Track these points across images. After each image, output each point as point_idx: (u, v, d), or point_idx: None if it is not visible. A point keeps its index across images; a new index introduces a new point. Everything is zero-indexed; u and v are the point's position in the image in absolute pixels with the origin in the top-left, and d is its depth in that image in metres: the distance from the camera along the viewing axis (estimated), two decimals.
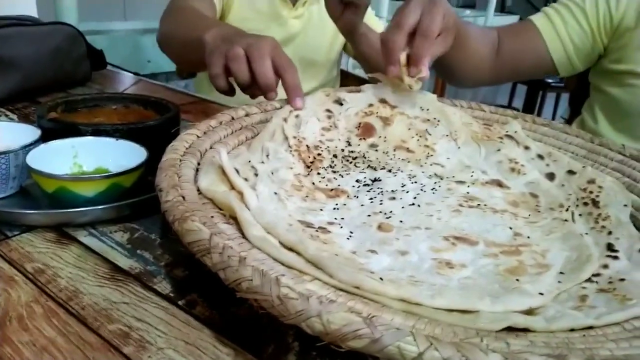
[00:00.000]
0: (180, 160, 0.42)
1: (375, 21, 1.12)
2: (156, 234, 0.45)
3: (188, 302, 0.36)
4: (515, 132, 0.60)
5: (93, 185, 0.43)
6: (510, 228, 0.45)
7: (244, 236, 0.34)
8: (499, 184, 0.53)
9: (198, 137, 0.48)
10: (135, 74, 1.07)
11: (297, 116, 0.57)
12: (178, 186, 0.36)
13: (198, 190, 0.38)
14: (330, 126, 0.59)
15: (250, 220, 0.34)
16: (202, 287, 0.38)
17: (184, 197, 0.35)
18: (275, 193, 0.43)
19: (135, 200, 0.45)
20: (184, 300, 0.37)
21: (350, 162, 0.54)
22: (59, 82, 0.85)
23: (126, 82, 0.99)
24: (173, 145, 0.44)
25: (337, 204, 0.46)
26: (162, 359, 0.31)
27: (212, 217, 0.34)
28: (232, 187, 0.40)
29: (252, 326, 0.34)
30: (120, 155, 0.49)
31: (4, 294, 0.35)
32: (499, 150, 0.57)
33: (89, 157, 0.49)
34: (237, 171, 0.44)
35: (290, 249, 0.35)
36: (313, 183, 0.49)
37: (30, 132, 0.50)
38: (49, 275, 0.38)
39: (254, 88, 0.58)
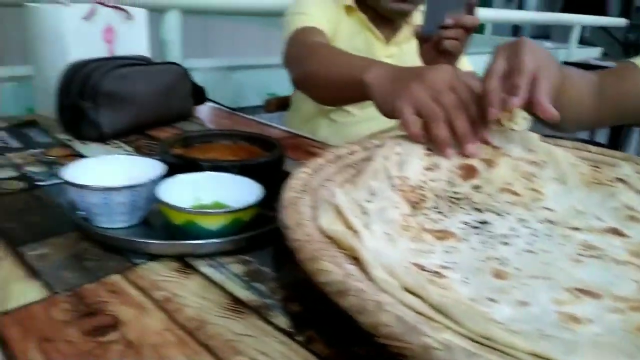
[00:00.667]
0: (299, 198, 0.43)
1: (467, 66, 1.12)
2: (269, 267, 0.47)
3: (307, 338, 0.37)
4: (628, 175, 0.57)
5: (218, 219, 0.45)
6: (636, 281, 0.42)
7: (367, 277, 0.34)
8: (618, 233, 0.50)
9: (309, 174, 0.50)
10: (231, 108, 1.13)
11: (398, 154, 0.57)
12: (302, 224, 0.38)
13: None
14: (432, 166, 0.58)
15: (372, 262, 0.35)
16: (320, 323, 0.39)
17: (309, 236, 0.36)
18: (387, 233, 0.43)
19: (253, 233, 0.47)
20: (302, 336, 0.37)
21: (455, 203, 0.54)
22: (166, 117, 0.92)
23: (222, 117, 1.05)
24: (290, 184, 0.46)
25: (447, 247, 0.45)
26: None
27: (335, 256, 0.35)
28: (348, 226, 0.41)
29: None
30: (236, 190, 0.52)
31: (138, 321, 0.38)
32: (612, 195, 0.54)
33: (207, 191, 0.52)
34: (343, 212, 0.45)
35: (411, 292, 0.34)
36: (419, 224, 0.49)
37: (154, 166, 0.54)
38: (176, 303, 0.40)
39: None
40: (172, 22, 1.18)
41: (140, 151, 0.78)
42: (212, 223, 0.46)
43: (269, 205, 0.49)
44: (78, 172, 0.51)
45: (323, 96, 0.86)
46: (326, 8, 1.07)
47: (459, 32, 0.81)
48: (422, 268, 0.40)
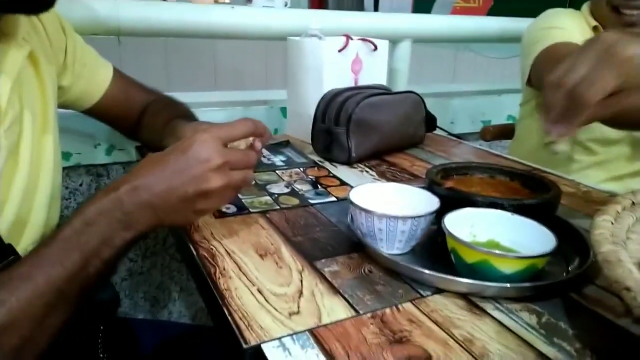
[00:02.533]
0: (618, 252, 0.39)
1: None
2: (563, 323, 0.43)
3: None
4: None
5: (514, 263, 0.44)
6: None
7: None
8: None
9: (612, 223, 0.45)
10: (457, 136, 1.12)
11: None
12: None
13: None
14: None
15: None
16: None
17: None
18: None
19: (550, 282, 0.44)
20: None
21: None
22: (401, 145, 0.95)
23: (449, 145, 1.04)
24: (601, 234, 0.42)
25: None
26: None
27: None
28: None
29: None
30: (512, 230, 0.50)
31: (448, 358, 0.38)
32: None
33: (483, 229, 0.51)
34: None
35: None
36: None
37: (427, 198, 0.55)
38: (480, 347, 0.39)
39: None
40: (404, 51, 1.22)
41: (384, 176, 0.81)
42: (508, 267, 0.44)
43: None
44: (361, 197, 0.55)
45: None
46: (579, 25, 0.99)
47: None
48: None
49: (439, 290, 0.47)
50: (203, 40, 1.17)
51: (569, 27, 0.97)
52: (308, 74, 0.97)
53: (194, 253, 0.53)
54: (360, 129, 0.85)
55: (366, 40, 0.99)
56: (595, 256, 0.40)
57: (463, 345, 0.39)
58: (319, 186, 0.75)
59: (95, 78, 0.77)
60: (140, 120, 0.82)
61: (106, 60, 0.81)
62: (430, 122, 1.01)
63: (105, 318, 0.65)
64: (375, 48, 1.00)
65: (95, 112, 0.80)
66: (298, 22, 1.12)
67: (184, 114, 0.80)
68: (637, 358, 0.39)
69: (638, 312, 0.32)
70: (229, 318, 0.42)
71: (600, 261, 0.39)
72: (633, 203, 0.51)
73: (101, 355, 0.64)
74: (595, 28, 1.01)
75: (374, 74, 1.03)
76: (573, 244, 0.55)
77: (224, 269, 0.50)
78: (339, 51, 0.95)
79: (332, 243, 0.56)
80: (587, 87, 0.47)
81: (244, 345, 0.38)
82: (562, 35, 0.93)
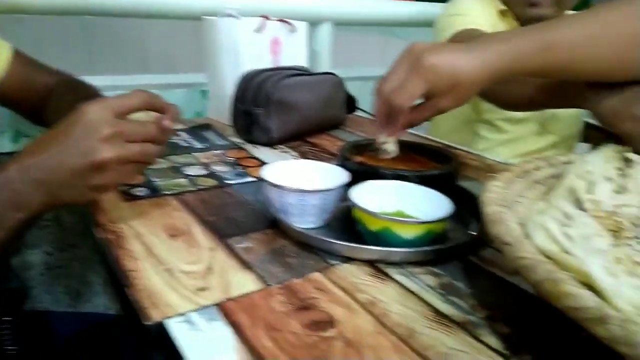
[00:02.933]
0: (503, 213, 0.42)
1: None
2: (461, 282, 0.46)
3: None
4: None
5: (414, 228, 0.46)
6: None
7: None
8: None
9: (503, 189, 0.49)
10: None
11: (589, 173, 0.53)
12: (522, 242, 0.36)
13: None
14: (620, 189, 0.53)
15: (615, 291, 0.32)
16: (535, 347, 0.37)
17: (534, 254, 0.35)
18: (605, 266, 0.40)
19: (448, 245, 0.47)
20: (517, 358, 0.36)
21: None
22: (323, 125, 0.96)
23: (370, 126, 1.06)
24: (487, 197, 0.45)
25: None
26: None
27: (574, 281, 0.33)
28: (563, 250, 0.39)
29: None
30: (417, 200, 0.52)
31: (350, 321, 0.39)
32: None
33: (390, 199, 0.53)
34: (550, 230, 0.42)
35: None
36: (627, 256, 0.45)
37: (338, 172, 0.57)
38: (381, 308, 0.41)
39: None
40: (324, 34, 1.23)
41: (305, 156, 0.82)
42: (408, 232, 0.46)
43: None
44: (274, 174, 0.55)
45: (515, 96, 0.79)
46: (484, 10, 1.04)
47: None
48: None
49: (347, 260, 0.49)
50: (129, 21, 1.12)
51: (473, 14, 1.01)
52: (225, 55, 0.95)
53: (100, 236, 0.51)
54: (279, 109, 0.85)
55: (284, 21, 0.99)
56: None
57: (365, 307, 0.41)
58: (238, 167, 0.74)
59: None
60: (45, 103, 0.77)
61: (4, 40, 0.75)
62: (350, 103, 1.03)
63: (10, 309, 0.61)
64: (294, 29, 1.00)
65: None
66: (214, 1, 1.09)
67: (91, 95, 0.76)
68: (525, 310, 0.43)
69: (515, 265, 0.35)
70: (134, 298, 0.41)
71: (485, 221, 0.41)
72: (524, 171, 0.55)
73: (10, 348, 0.60)
74: (502, 12, 1.07)
75: (294, 55, 1.03)
76: (473, 211, 0.58)
77: (131, 250, 0.48)
78: (256, 31, 0.94)
79: (247, 221, 0.56)
80: (398, 95, 0.54)
81: (147, 323, 0.38)
82: (463, 23, 0.97)
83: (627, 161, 0.56)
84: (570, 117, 1.07)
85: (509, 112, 1.07)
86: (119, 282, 0.45)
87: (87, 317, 0.88)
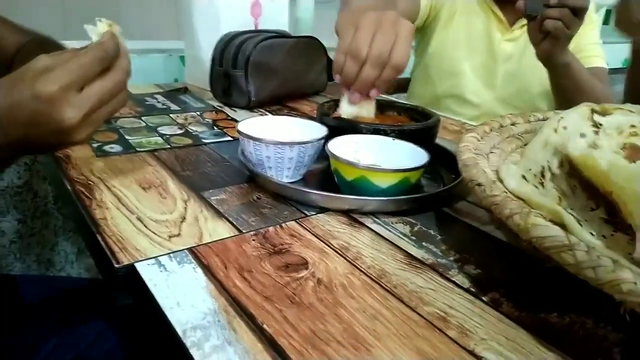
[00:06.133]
0: (477, 159, 0.42)
1: (594, 50, 1.02)
2: (434, 230, 0.46)
3: (492, 299, 0.36)
4: None
5: (389, 177, 0.46)
6: None
7: None
8: None
9: (478, 140, 0.49)
10: None
11: (565, 128, 0.54)
12: (495, 182, 0.37)
13: None
14: (593, 145, 0.54)
15: (579, 230, 0.33)
16: (503, 286, 0.38)
17: (506, 193, 0.35)
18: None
19: (423, 194, 0.47)
20: (487, 296, 0.36)
21: None
22: (303, 89, 0.95)
23: None
24: (463, 146, 0.45)
25: None
26: (487, 349, 0.31)
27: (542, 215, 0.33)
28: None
29: (569, 333, 0.33)
30: (393, 153, 0.52)
31: (323, 263, 0.39)
32: None
33: (367, 153, 0.53)
34: (525, 178, 0.43)
35: None
36: None
37: (316, 128, 0.56)
38: (354, 252, 0.41)
39: None
40: (307, 1, 1.21)
41: None
42: (383, 181, 0.46)
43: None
44: (250, 129, 0.54)
45: None
46: None
47: (564, 13, 0.75)
48: None
49: (323, 210, 0.48)
50: None
51: None
52: (203, 17, 0.93)
53: (69, 188, 0.50)
54: (259, 71, 0.84)
55: None
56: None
57: (339, 251, 0.41)
58: (215, 128, 0.73)
59: None
60: (13, 62, 0.74)
61: None
62: (332, 69, 1.02)
63: None
64: None
65: None
66: None
67: None
68: (496, 255, 0.43)
69: (487, 203, 0.35)
70: (102, 243, 0.40)
71: (460, 167, 0.42)
72: (501, 125, 0.55)
73: None
74: None
75: (275, 20, 1.01)
76: (449, 166, 0.59)
77: (102, 200, 0.48)
78: None
79: (223, 176, 0.56)
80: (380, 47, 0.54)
81: (116, 265, 0.37)
82: None
83: (600, 119, 0.57)
84: (543, 91, 1.07)
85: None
86: (84, 229, 0.44)
87: (56, 282, 0.87)
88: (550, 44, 0.80)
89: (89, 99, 0.41)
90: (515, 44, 1.03)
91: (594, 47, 1.02)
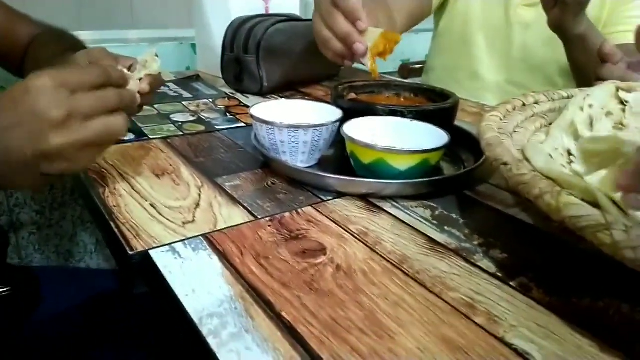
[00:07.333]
0: (502, 138, 0.40)
1: (633, 24, 0.93)
2: (455, 214, 0.45)
3: (520, 284, 0.34)
4: None
5: (407, 159, 0.44)
6: None
7: None
8: None
9: (501, 119, 0.47)
10: None
11: (590, 106, 0.51)
12: (522, 161, 0.35)
13: None
14: (620, 125, 0.52)
15: (615, 210, 0.31)
16: (532, 270, 0.36)
17: (535, 172, 0.33)
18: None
19: (444, 177, 0.45)
20: (514, 281, 0.35)
21: None
22: (316, 75, 0.93)
23: (365, 77, 1.03)
24: (486, 125, 0.43)
25: None
26: (518, 336, 0.29)
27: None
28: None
29: (604, 319, 0.31)
30: (412, 135, 0.50)
31: (342, 249, 0.38)
32: None
33: (384, 136, 0.51)
34: (551, 157, 0.41)
35: None
36: None
37: (331, 111, 0.55)
38: (374, 237, 0.40)
39: None
40: None
41: None
42: (401, 163, 0.44)
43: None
44: (264, 113, 0.53)
45: None
46: None
47: None
48: None
49: (340, 195, 0.47)
50: None
51: None
52: (214, 3, 0.91)
53: (82, 176, 0.49)
54: (271, 56, 0.82)
55: None
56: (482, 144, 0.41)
57: (358, 237, 0.40)
58: (228, 114, 0.72)
59: None
60: (26, 54, 0.74)
61: None
62: None
63: None
64: None
65: None
66: None
67: (74, 46, 0.72)
68: (522, 238, 0.41)
69: (513, 182, 0.34)
70: (116, 230, 0.39)
71: (483, 146, 0.40)
72: (524, 104, 0.53)
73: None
74: None
75: (286, 4, 0.99)
76: (470, 148, 0.57)
77: (115, 188, 0.47)
78: None
79: (237, 162, 0.55)
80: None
81: (130, 252, 0.36)
82: None
83: (627, 98, 0.54)
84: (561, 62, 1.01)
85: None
86: (98, 216, 0.43)
87: (78, 273, 0.87)
88: (560, 10, 0.74)
89: (78, 101, 0.38)
90: (534, 10, 0.96)
91: (633, 21, 0.90)
